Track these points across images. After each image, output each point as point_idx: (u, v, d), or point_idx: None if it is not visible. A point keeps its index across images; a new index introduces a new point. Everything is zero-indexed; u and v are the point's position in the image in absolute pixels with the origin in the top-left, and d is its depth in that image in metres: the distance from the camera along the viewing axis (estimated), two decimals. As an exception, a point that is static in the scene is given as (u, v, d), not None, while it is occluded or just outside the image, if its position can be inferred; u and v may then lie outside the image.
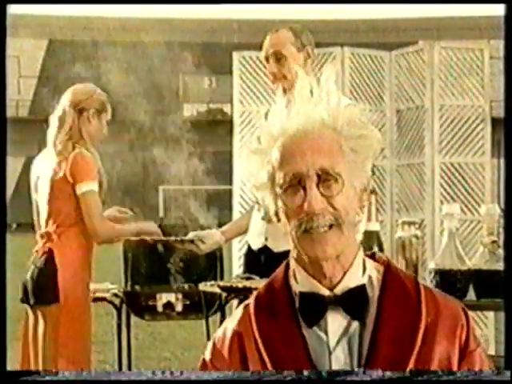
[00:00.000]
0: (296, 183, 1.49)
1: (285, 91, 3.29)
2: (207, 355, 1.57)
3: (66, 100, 3.66)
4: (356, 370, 1.46)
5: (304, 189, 1.48)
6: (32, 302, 3.61)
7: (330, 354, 1.49)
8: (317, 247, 1.48)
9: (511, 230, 2.56)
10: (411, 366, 1.46)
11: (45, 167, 3.66)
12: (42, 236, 3.63)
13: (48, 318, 3.55)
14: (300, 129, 1.51)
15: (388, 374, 1.35)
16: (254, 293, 1.60)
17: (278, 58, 3.32)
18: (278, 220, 1.54)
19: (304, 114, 1.52)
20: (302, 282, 1.54)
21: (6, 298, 2.43)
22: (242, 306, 1.59)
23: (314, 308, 1.50)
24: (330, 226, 1.49)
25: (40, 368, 3.54)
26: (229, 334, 1.55)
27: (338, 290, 1.51)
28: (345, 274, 1.52)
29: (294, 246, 1.53)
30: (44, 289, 3.56)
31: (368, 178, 1.55)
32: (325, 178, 1.49)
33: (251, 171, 1.56)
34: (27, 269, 3.68)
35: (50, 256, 3.56)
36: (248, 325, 1.54)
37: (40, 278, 3.57)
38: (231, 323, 1.57)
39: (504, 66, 2.24)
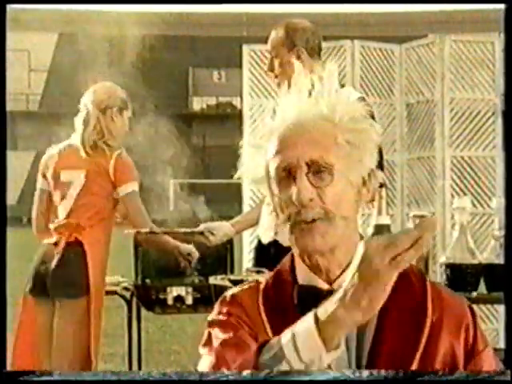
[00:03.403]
0: (287, 174, 1.48)
1: (279, 86, 3.36)
2: (221, 309, 1.53)
3: (88, 100, 3.70)
4: (353, 370, 1.43)
5: (294, 180, 1.47)
6: (54, 293, 3.59)
7: None
8: (306, 238, 1.47)
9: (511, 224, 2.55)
10: (416, 363, 1.45)
11: (74, 162, 3.68)
12: (65, 226, 3.63)
13: (75, 311, 3.53)
14: (296, 123, 1.51)
15: (387, 373, 1.33)
16: (263, 280, 1.58)
17: (272, 57, 3.37)
18: (277, 214, 1.53)
19: (302, 106, 1.52)
20: (301, 275, 1.53)
21: (6, 295, 2.42)
22: (250, 283, 1.59)
23: (312, 301, 1.47)
24: (320, 220, 1.47)
25: (51, 365, 3.52)
26: (237, 298, 1.54)
27: (336, 284, 1.49)
28: (345, 268, 1.50)
29: (289, 239, 1.52)
30: (72, 281, 3.55)
31: (368, 171, 1.52)
32: (316, 168, 1.47)
33: (249, 165, 1.56)
34: (39, 260, 3.66)
35: (79, 247, 3.57)
36: (255, 308, 1.52)
37: (68, 268, 3.57)
38: (240, 288, 1.57)
39: (504, 63, 2.23)
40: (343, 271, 1.50)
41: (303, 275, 1.53)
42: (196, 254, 3.78)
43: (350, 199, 1.50)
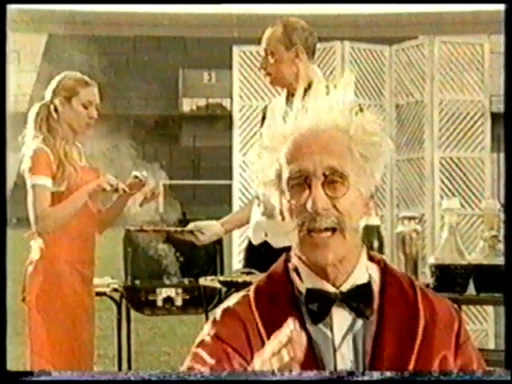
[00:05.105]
0: (302, 181, 1.49)
1: (271, 83, 3.36)
2: (210, 331, 1.53)
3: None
4: (357, 371, 1.46)
5: (309, 187, 1.48)
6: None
7: (335, 351, 1.50)
8: (318, 253, 1.49)
9: (511, 224, 2.56)
10: (413, 363, 1.48)
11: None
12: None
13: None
14: (312, 128, 1.52)
15: (388, 374, 1.36)
16: (253, 285, 1.58)
17: (267, 54, 3.33)
18: (283, 218, 1.53)
19: (318, 114, 1.52)
20: (306, 280, 1.53)
21: (6, 296, 2.41)
22: (240, 293, 1.58)
23: (320, 305, 1.50)
24: (333, 231, 1.48)
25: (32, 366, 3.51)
26: (230, 313, 1.54)
27: (344, 288, 1.52)
28: (350, 273, 1.53)
29: (297, 246, 1.53)
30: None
31: (376, 185, 1.55)
32: (331, 178, 1.48)
33: (260, 168, 1.56)
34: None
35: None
36: (250, 315, 1.52)
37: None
38: (231, 302, 1.56)
39: (504, 63, 2.24)
40: (349, 276, 1.52)
41: (308, 280, 1.53)
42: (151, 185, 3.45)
43: (359, 211, 1.52)
